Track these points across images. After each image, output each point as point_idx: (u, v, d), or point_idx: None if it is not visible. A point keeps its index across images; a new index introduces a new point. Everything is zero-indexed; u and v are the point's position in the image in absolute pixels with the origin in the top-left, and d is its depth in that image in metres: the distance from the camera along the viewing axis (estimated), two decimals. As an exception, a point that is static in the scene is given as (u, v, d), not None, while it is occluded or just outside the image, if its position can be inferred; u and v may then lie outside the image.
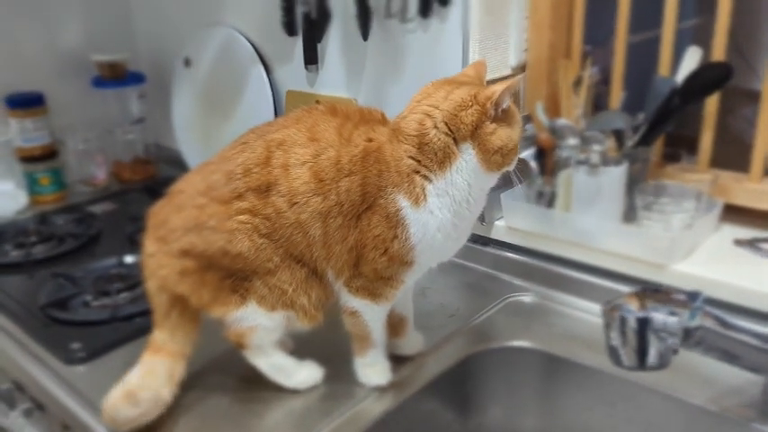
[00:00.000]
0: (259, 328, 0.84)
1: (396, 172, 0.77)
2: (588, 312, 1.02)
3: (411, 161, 0.77)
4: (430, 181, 0.78)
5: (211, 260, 0.80)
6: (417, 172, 0.77)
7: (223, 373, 0.92)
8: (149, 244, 0.85)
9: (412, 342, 0.95)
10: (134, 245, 1.32)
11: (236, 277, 0.81)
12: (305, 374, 0.89)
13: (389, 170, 0.78)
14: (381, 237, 0.78)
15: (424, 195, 0.77)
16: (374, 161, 0.78)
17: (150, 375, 0.83)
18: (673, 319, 0.70)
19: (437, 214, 0.78)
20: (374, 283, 0.82)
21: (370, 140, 0.80)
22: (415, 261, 0.80)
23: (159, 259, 0.83)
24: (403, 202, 0.77)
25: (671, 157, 1.13)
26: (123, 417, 0.80)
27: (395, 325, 0.91)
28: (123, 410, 0.80)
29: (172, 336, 0.85)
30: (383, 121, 0.84)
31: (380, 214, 0.78)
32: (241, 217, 0.79)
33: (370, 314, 0.84)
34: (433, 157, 0.77)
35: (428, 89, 0.81)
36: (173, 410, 0.84)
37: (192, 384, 0.88)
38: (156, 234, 0.84)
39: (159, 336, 0.85)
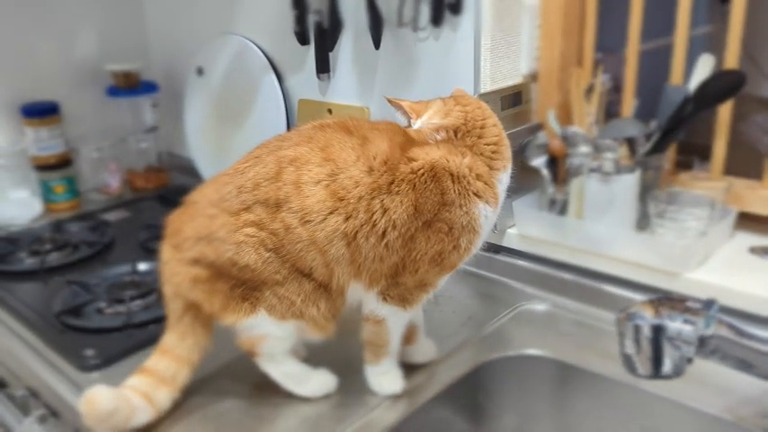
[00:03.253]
0: (270, 336, 0.84)
1: (473, 182, 0.80)
2: (601, 321, 1.01)
3: (483, 166, 0.82)
4: (499, 175, 0.84)
5: (221, 269, 0.81)
6: (493, 169, 0.83)
7: (234, 379, 0.92)
8: (165, 251, 0.86)
9: (423, 349, 0.95)
10: (147, 252, 1.34)
11: (245, 287, 0.81)
12: (317, 383, 0.89)
13: (460, 183, 0.79)
14: (441, 250, 0.79)
15: (497, 193, 0.82)
16: (431, 179, 0.78)
17: (151, 376, 0.84)
18: (687, 328, 0.70)
19: (499, 208, 0.83)
20: (412, 291, 0.82)
21: (411, 160, 0.79)
22: (459, 263, 0.83)
23: (173, 266, 0.84)
24: (485, 210, 0.80)
25: (683, 164, 1.12)
26: (100, 413, 0.79)
27: (407, 333, 0.91)
28: (103, 405, 0.80)
29: (181, 340, 0.86)
30: (402, 132, 0.84)
31: (443, 231, 0.79)
32: (248, 230, 0.79)
33: (395, 321, 0.85)
34: (494, 149, 0.83)
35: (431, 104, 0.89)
36: (182, 415, 0.85)
37: (203, 389, 0.89)
38: (172, 242, 0.85)
39: (169, 339, 0.86)
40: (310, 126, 0.85)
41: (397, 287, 0.82)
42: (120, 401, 0.80)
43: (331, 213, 0.77)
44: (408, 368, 0.91)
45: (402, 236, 0.78)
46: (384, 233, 0.78)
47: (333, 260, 0.79)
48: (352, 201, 0.77)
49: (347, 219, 0.77)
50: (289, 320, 0.82)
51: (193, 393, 0.87)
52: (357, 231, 0.77)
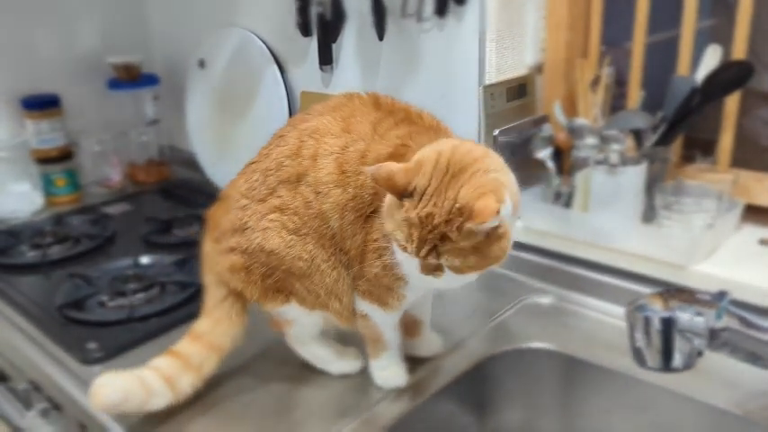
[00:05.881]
0: (298, 322, 0.87)
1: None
2: (606, 314, 1.01)
3: None
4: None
5: (252, 257, 0.83)
6: None
7: (245, 374, 0.92)
8: (206, 243, 0.89)
9: (428, 343, 0.94)
10: (149, 246, 1.34)
11: (277, 278, 0.83)
12: (342, 365, 0.91)
13: None
14: (378, 242, 0.78)
15: None
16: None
17: (179, 360, 0.84)
18: (698, 320, 0.69)
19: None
20: (378, 289, 0.81)
21: (404, 145, 0.77)
22: (406, 279, 0.78)
23: (213, 256, 0.87)
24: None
25: (689, 158, 1.11)
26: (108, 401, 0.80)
27: (409, 326, 0.91)
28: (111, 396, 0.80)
29: (215, 326, 0.87)
30: (435, 127, 0.82)
31: (380, 221, 0.77)
32: (271, 215, 0.81)
33: (379, 318, 0.84)
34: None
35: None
36: (186, 406, 0.85)
37: (216, 382, 0.89)
38: (212, 235, 0.88)
39: (203, 324, 0.88)
40: (341, 95, 0.85)
41: (363, 279, 0.80)
42: (131, 388, 0.80)
43: (336, 186, 0.78)
44: (413, 361, 0.91)
45: (363, 215, 0.78)
46: (356, 208, 0.78)
47: (332, 233, 0.80)
48: (349, 173, 0.78)
49: (343, 192, 0.78)
50: (317, 311, 0.85)
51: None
52: (346, 204, 0.78)
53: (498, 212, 0.65)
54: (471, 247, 0.68)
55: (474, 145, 0.73)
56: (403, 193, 0.69)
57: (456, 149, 0.70)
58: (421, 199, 0.68)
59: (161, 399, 0.82)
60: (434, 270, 0.70)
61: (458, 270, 0.70)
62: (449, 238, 0.67)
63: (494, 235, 0.68)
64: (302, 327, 0.88)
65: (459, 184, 0.67)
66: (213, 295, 0.88)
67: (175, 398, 0.83)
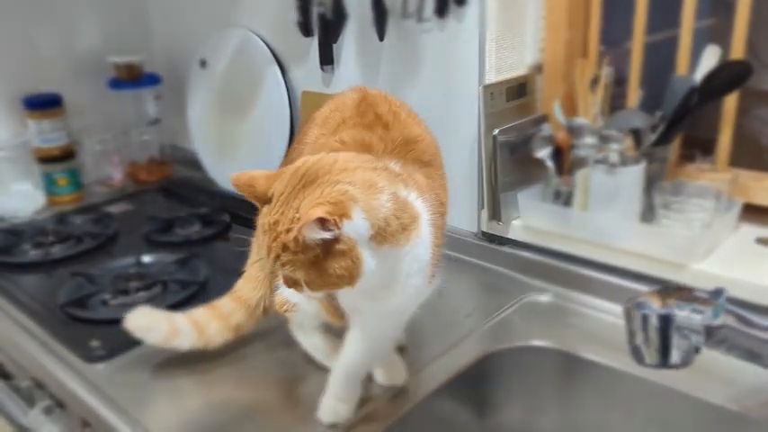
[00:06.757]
0: (301, 307, 0.87)
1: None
2: (606, 312, 1.01)
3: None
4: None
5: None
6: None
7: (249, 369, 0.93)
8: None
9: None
10: (151, 244, 1.34)
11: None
12: None
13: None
14: None
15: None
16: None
17: (213, 310, 0.92)
18: (696, 317, 0.70)
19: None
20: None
21: (342, 142, 0.78)
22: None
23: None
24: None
25: (688, 157, 1.12)
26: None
27: None
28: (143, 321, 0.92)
29: (245, 284, 0.93)
30: (397, 133, 0.79)
31: None
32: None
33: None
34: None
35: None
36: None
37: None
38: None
39: (239, 281, 0.93)
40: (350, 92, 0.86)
41: None
42: (159, 321, 0.92)
43: None
44: (413, 360, 0.91)
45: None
46: None
47: None
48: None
49: None
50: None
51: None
52: None
53: (326, 222, 0.61)
54: (309, 261, 0.65)
55: (353, 156, 0.71)
56: (263, 200, 0.69)
57: (322, 159, 0.69)
58: (274, 206, 0.67)
59: (186, 338, 0.91)
60: (294, 284, 0.68)
61: (307, 285, 0.67)
62: (288, 248, 0.65)
63: (332, 250, 0.64)
64: (304, 314, 0.89)
65: (306, 194, 0.66)
66: (252, 256, 0.92)
67: (202, 342, 0.91)
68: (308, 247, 0.64)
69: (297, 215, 0.64)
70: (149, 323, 0.92)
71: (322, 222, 0.62)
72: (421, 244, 0.71)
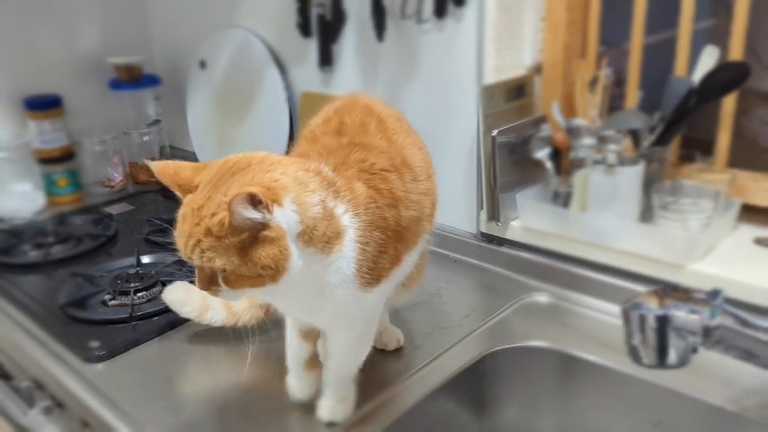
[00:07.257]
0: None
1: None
2: (604, 312, 1.01)
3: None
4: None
5: None
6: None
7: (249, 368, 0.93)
8: None
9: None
10: (150, 245, 1.34)
11: None
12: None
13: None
14: None
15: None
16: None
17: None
18: (693, 317, 0.70)
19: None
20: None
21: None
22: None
23: None
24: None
25: (686, 158, 1.12)
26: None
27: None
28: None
29: None
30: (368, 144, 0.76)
31: None
32: None
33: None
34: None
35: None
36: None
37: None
38: None
39: None
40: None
41: None
42: (193, 296, 0.96)
43: None
44: (412, 359, 0.92)
45: None
46: None
47: None
48: None
49: None
50: None
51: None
52: None
53: (257, 203, 0.59)
54: (233, 247, 0.62)
55: (286, 157, 0.70)
56: (187, 189, 0.67)
57: (255, 153, 0.68)
58: (200, 192, 0.65)
59: (217, 315, 0.96)
60: (210, 284, 0.65)
61: (226, 280, 0.64)
62: (212, 232, 0.62)
63: (260, 237, 0.61)
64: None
65: (235, 180, 0.64)
66: None
67: (233, 319, 0.95)
68: (235, 230, 0.61)
69: (225, 198, 0.61)
70: (184, 297, 0.97)
71: (253, 201, 0.59)
72: (343, 258, 0.68)
